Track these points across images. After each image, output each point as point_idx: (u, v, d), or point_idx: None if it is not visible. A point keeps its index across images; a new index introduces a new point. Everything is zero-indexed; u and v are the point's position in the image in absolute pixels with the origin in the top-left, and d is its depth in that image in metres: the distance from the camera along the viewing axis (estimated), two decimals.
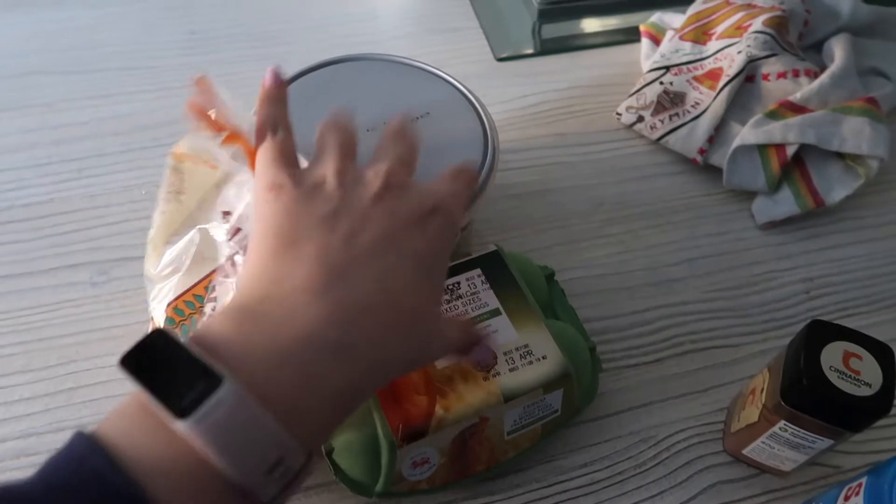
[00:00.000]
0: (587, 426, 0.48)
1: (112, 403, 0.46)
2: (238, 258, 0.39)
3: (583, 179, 0.60)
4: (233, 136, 0.35)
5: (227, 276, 0.39)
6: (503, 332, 0.42)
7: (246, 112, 0.36)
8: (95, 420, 0.46)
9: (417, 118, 0.48)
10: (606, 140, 0.63)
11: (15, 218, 0.55)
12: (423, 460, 0.40)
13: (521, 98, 0.65)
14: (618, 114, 0.63)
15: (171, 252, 0.39)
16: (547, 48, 0.70)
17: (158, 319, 0.40)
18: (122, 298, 0.51)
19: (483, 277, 0.45)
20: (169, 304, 0.39)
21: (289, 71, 0.48)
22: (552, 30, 0.71)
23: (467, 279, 0.44)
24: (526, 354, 0.42)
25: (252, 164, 0.35)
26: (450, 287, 0.44)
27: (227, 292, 0.39)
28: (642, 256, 0.56)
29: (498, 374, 0.41)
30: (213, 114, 0.34)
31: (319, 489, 0.44)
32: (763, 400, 0.42)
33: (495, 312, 0.43)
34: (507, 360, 0.41)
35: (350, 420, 0.40)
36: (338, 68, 0.50)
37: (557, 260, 0.55)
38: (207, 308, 0.40)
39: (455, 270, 0.45)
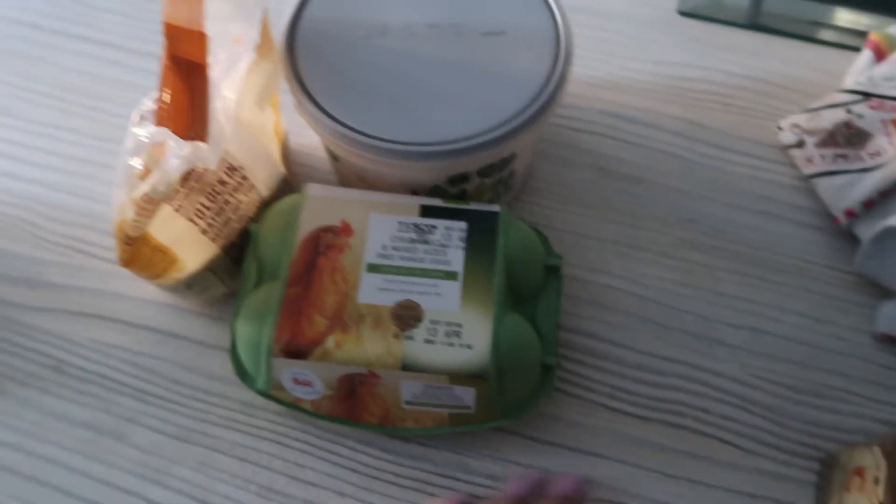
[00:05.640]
0: (520, 441, 0.42)
1: None
2: None
3: (689, 184, 0.49)
4: None
5: None
6: (446, 299, 0.37)
7: None
8: None
9: (487, 34, 0.41)
10: (748, 152, 0.50)
11: None
12: (306, 381, 0.38)
13: (683, 66, 0.54)
14: (779, 127, 0.50)
15: None
16: (753, 23, 0.56)
17: None
18: None
19: (464, 234, 0.39)
20: None
21: None
22: (771, 4, 0.57)
23: (446, 228, 0.39)
24: (452, 334, 0.36)
25: None
26: (422, 227, 0.39)
27: None
28: (704, 300, 0.45)
29: (412, 338, 0.36)
30: None
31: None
32: (881, 496, 0.34)
33: (451, 276, 0.37)
34: (428, 329, 0.36)
35: (258, 305, 0.38)
36: None
37: (605, 260, 0.46)
38: None
39: (442, 212, 0.39)
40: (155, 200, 0.32)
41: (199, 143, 0.28)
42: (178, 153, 0.30)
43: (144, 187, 0.31)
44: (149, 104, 0.32)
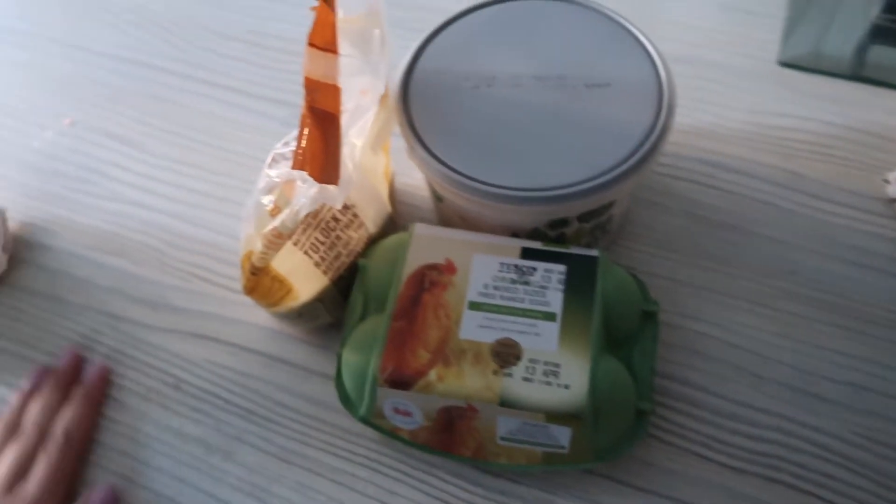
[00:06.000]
0: (609, 483, 0.42)
1: None
2: None
3: (788, 234, 0.49)
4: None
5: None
6: (545, 339, 0.38)
7: None
8: None
9: (592, 86, 0.42)
10: (850, 204, 0.50)
11: None
12: (406, 411, 0.40)
13: (781, 116, 0.54)
14: (885, 181, 0.49)
15: None
16: (856, 74, 0.56)
17: None
18: None
19: (563, 277, 0.40)
20: None
21: None
22: (875, 55, 0.56)
23: (546, 270, 0.40)
24: (550, 374, 0.37)
25: None
26: (522, 268, 0.40)
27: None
28: (801, 353, 0.45)
29: (510, 375, 0.37)
30: None
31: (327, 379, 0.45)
32: None
33: (549, 317, 0.39)
34: (527, 368, 0.37)
35: (364, 336, 0.40)
36: (530, 5, 0.46)
37: (701, 308, 0.47)
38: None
39: (542, 255, 0.41)
40: (283, 235, 0.35)
41: (329, 186, 0.31)
42: (306, 193, 0.33)
43: (275, 223, 0.34)
44: (280, 148, 0.36)
